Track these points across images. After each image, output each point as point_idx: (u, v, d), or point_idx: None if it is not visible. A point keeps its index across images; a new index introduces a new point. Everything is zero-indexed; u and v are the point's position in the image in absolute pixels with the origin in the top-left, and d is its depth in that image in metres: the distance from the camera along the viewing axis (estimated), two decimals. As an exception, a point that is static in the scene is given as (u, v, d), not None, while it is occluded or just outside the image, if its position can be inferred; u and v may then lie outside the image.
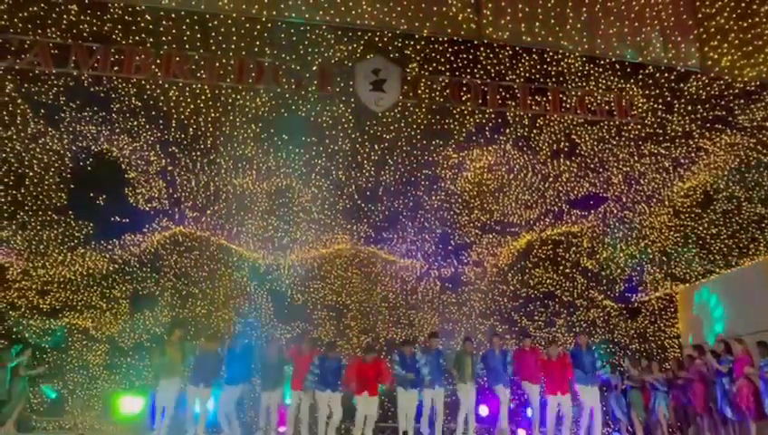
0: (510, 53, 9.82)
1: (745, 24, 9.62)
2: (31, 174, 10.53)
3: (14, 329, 11.26)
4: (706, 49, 9.88)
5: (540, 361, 9.73)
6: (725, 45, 9.81)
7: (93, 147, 10.46)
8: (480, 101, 10.01)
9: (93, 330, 11.88)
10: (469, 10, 9.52)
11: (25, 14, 8.69)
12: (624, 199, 12.10)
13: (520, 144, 10.91)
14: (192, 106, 9.79)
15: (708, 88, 10.18)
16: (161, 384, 8.74)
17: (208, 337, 9.52)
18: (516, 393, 11.26)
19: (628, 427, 11.27)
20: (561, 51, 9.87)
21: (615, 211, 12.35)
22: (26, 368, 9.98)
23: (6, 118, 9.67)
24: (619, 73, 10.17)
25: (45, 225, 11.05)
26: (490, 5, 9.68)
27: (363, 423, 8.82)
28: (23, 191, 10.64)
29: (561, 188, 11.85)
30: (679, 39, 10.01)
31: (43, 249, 11.26)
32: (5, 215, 10.77)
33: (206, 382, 8.78)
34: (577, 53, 9.94)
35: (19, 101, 9.48)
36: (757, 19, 9.62)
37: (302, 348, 9.50)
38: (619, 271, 13.10)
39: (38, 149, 10.23)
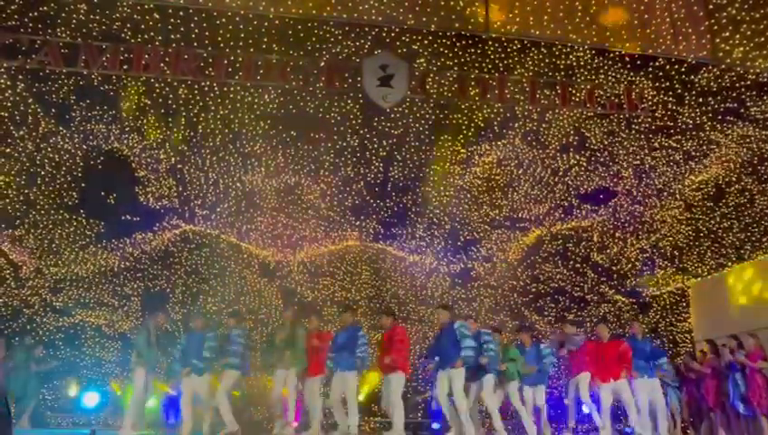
0: (518, 46, 9.77)
1: (757, 15, 9.46)
2: (42, 173, 10.63)
3: (28, 326, 11.38)
4: (718, 40, 9.74)
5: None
6: (737, 36, 9.66)
7: (104, 145, 10.54)
8: (488, 96, 9.96)
9: (106, 327, 12.00)
10: (477, 4, 9.45)
11: (35, 13, 8.76)
12: (635, 193, 12.01)
13: (529, 138, 10.86)
14: (201, 104, 9.84)
15: (720, 80, 10.07)
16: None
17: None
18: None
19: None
20: (569, 44, 9.79)
21: (626, 205, 12.26)
22: (38, 364, 10.08)
23: (18, 117, 9.76)
24: (628, 66, 10.07)
25: (57, 223, 11.17)
26: (498, -1, 9.62)
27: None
28: (35, 190, 10.74)
29: (570, 183, 11.78)
30: (690, 30, 9.88)
31: (55, 248, 11.37)
32: (18, 214, 10.89)
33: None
34: (586, 46, 9.86)
35: (30, 100, 9.57)
36: (770, 9, 9.48)
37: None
38: (629, 265, 13.01)
39: (49, 149, 10.32)
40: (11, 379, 9.45)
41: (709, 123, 10.66)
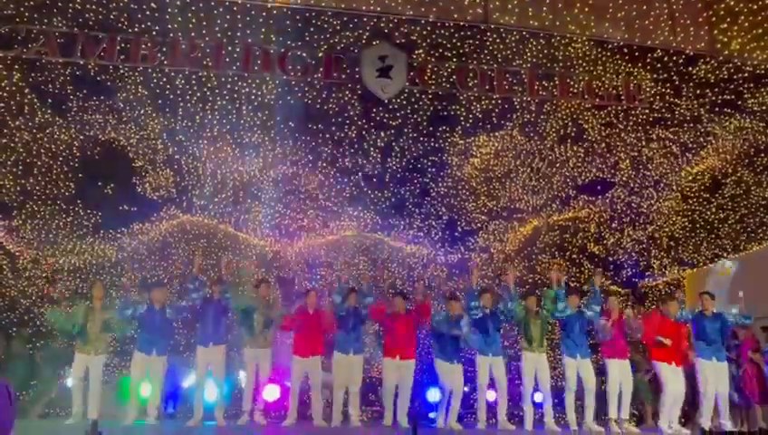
0: (517, 37, 9.74)
1: (756, 7, 9.48)
2: (39, 163, 10.58)
3: (25, 317, 11.37)
4: (716, 32, 9.76)
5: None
6: (735, 28, 9.68)
7: (101, 136, 10.48)
8: (487, 87, 9.95)
9: (104, 318, 11.96)
10: (476, -6, 9.43)
11: (32, 3, 8.67)
12: (632, 184, 12.05)
13: (527, 130, 10.86)
14: (198, 94, 9.79)
15: (717, 71, 10.08)
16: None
17: None
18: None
19: (634, 411, 11.31)
20: (568, 35, 9.78)
21: (623, 196, 12.30)
22: (45, 358, 10.06)
23: (14, 108, 9.69)
24: (626, 57, 10.07)
25: (54, 214, 11.13)
26: (497, -11, 9.58)
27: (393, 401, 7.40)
28: (31, 181, 10.69)
29: (568, 174, 11.81)
30: (688, 21, 9.89)
31: (52, 238, 11.34)
32: (15, 204, 10.85)
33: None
34: (584, 37, 9.85)
35: (26, 90, 9.50)
36: (768, 1, 9.49)
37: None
38: (626, 256, 13.08)
39: (46, 139, 10.27)
40: (10, 370, 9.48)
41: (706, 115, 10.69)
